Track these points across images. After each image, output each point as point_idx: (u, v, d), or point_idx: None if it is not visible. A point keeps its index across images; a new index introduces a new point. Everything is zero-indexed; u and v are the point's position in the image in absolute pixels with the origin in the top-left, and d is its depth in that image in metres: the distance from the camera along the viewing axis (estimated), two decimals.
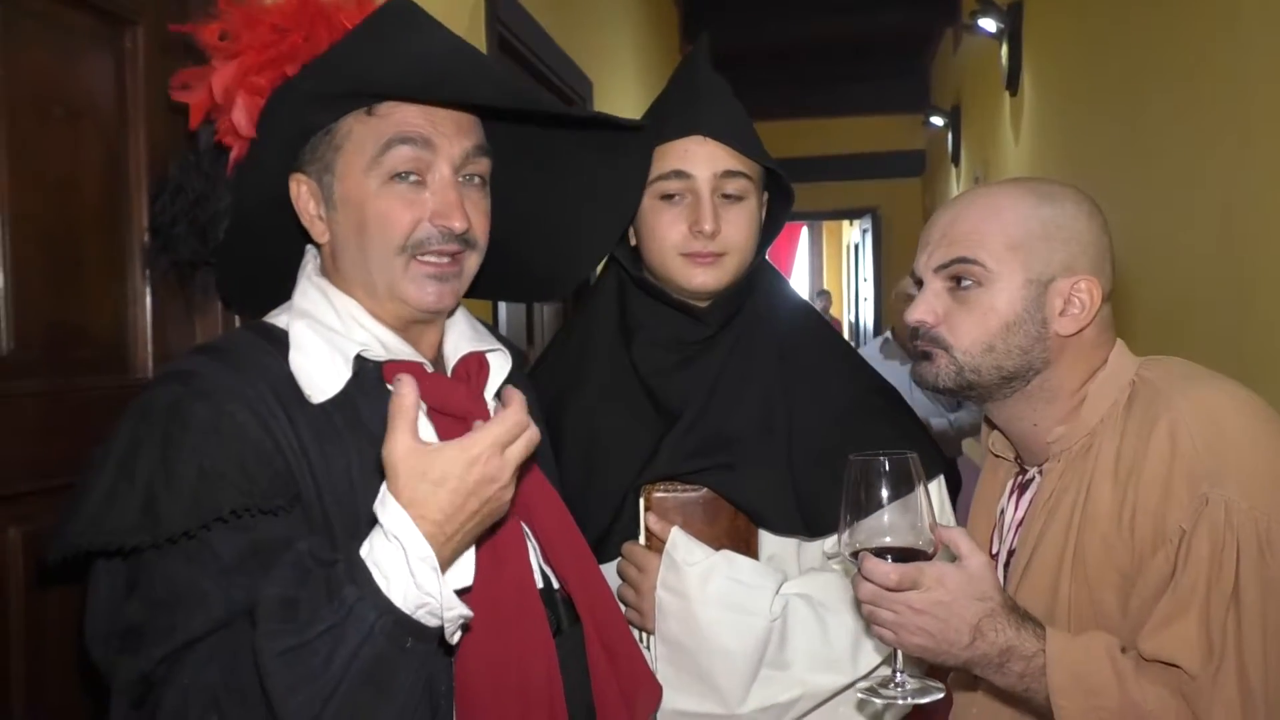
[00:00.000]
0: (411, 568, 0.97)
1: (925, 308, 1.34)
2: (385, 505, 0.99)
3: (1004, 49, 4.96)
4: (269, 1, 1.23)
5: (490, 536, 1.19)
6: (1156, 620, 1.16)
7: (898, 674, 1.23)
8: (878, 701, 1.24)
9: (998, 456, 1.50)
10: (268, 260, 1.29)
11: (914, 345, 1.38)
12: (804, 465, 1.48)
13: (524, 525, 1.26)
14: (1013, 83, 4.91)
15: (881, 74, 8.89)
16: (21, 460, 1.26)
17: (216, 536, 1.03)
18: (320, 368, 1.15)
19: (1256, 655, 1.12)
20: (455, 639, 1.04)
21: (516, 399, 1.02)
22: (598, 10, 4.55)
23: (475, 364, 1.32)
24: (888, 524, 1.18)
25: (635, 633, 1.46)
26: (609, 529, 1.50)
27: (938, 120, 7.61)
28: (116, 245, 1.43)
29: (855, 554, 1.21)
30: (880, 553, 1.18)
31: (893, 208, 9.78)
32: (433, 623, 1.00)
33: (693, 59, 1.60)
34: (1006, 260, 1.29)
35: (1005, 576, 1.38)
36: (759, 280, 1.59)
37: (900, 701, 1.22)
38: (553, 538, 1.28)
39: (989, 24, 4.96)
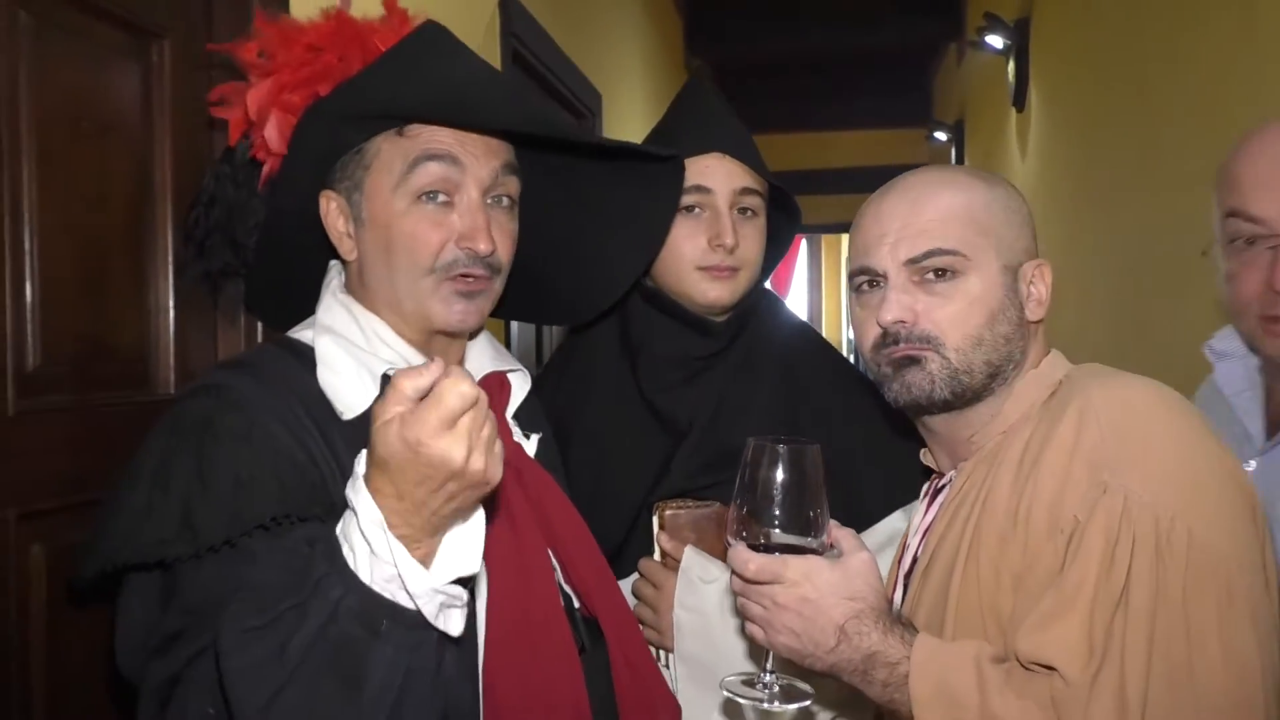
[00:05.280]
0: (365, 535, 0.91)
1: (900, 306, 1.20)
2: (354, 477, 0.94)
3: (1010, 65, 4.96)
4: (305, 21, 1.23)
5: (517, 556, 1.18)
6: (1038, 617, 1.04)
7: (765, 674, 1.15)
8: (742, 701, 1.16)
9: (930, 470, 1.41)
10: (295, 274, 1.29)
11: (885, 355, 1.23)
12: None
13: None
14: (1019, 99, 4.92)
15: (883, 88, 8.89)
16: (45, 477, 1.25)
17: (256, 544, 1.02)
18: (348, 384, 1.15)
19: (1139, 666, 1.00)
20: (448, 624, 0.96)
21: (454, 369, 0.90)
22: (605, 24, 4.55)
23: (496, 383, 1.32)
24: (782, 516, 1.11)
25: (653, 651, 1.46)
26: (621, 547, 1.50)
27: (941, 135, 7.61)
28: (142, 259, 1.42)
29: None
30: (769, 546, 1.11)
31: None
32: (406, 602, 0.92)
33: (699, 83, 1.64)
34: (982, 247, 1.20)
35: (905, 588, 1.30)
36: (759, 299, 1.61)
37: (765, 705, 1.14)
38: (574, 557, 1.28)
39: (996, 40, 4.96)
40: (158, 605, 1.05)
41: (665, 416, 1.53)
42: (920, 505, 1.34)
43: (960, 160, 7.26)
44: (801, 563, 1.10)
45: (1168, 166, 2.99)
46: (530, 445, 1.32)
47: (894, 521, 1.49)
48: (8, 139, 1.18)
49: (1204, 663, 1.00)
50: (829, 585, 1.10)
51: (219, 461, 1.03)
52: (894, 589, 1.33)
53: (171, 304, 1.46)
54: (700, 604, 1.42)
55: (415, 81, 1.14)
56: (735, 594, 1.16)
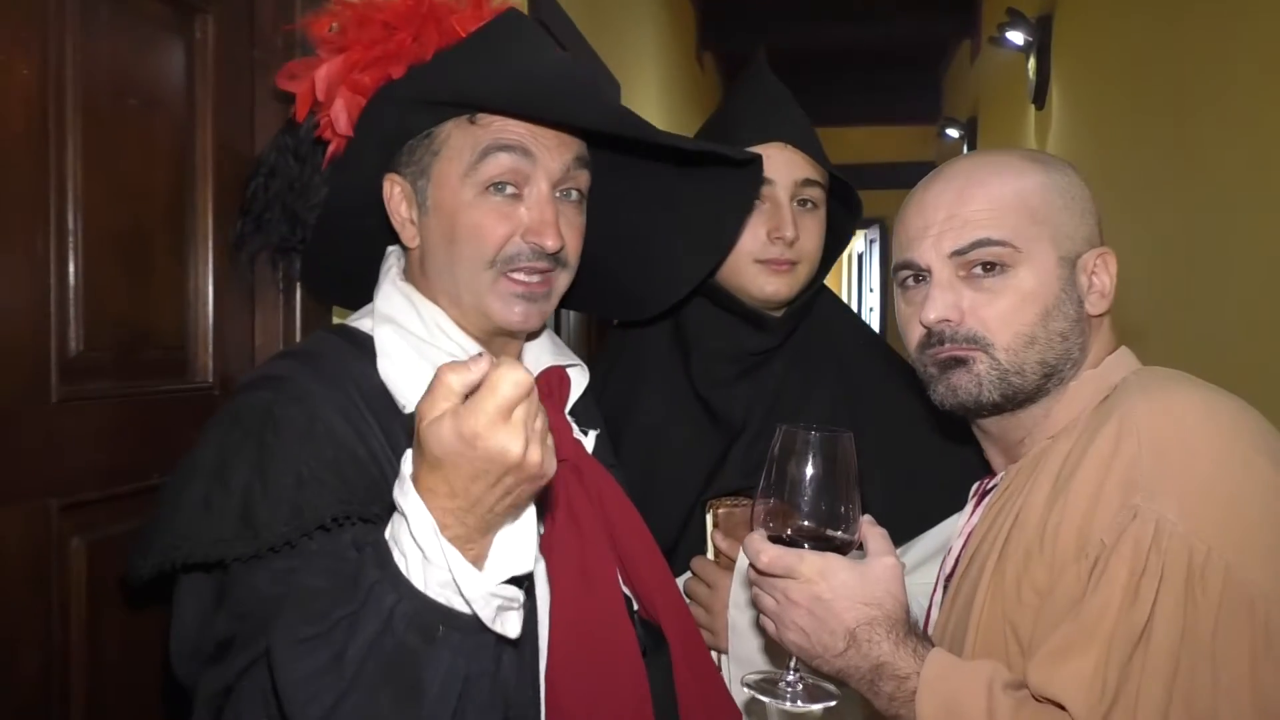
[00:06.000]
0: (417, 540, 0.88)
1: (944, 303, 1.13)
2: (401, 480, 0.91)
3: (1031, 62, 4.92)
4: None
5: (580, 556, 1.15)
6: (1051, 648, 0.97)
7: (790, 673, 1.10)
8: (765, 700, 1.11)
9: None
10: (352, 255, 1.26)
11: (930, 355, 1.17)
12: (870, 478, 1.43)
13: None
14: (1040, 96, 4.88)
15: (892, 84, 8.86)
16: (86, 466, 1.20)
17: (314, 545, 0.98)
18: (408, 377, 1.12)
19: (1153, 712, 0.91)
20: (505, 627, 0.92)
21: (504, 359, 0.88)
22: (623, 14, 4.52)
23: (557, 378, 1.29)
24: (809, 507, 1.07)
25: None
26: (675, 545, 1.47)
27: (953, 132, 7.57)
28: (182, 242, 1.38)
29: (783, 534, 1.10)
30: (794, 538, 1.07)
31: None
32: (462, 607, 0.89)
33: (759, 69, 1.59)
34: (1035, 237, 1.11)
35: (945, 591, 1.24)
36: (817, 294, 1.57)
37: (788, 705, 1.10)
38: (635, 558, 1.24)
39: (1016, 36, 4.92)
40: (210, 607, 1.01)
41: (718, 413, 1.50)
42: (968, 506, 1.29)
43: None
44: (818, 559, 1.06)
45: (1207, 167, 2.94)
46: (589, 442, 1.28)
47: (950, 526, 1.45)
48: (54, 113, 1.14)
49: (1232, 713, 0.91)
50: (844, 586, 1.05)
51: (280, 457, 0.99)
52: (936, 591, 1.29)
53: (210, 289, 1.41)
54: None
55: (497, 71, 1.10)
56: (751, 582, 1.12)
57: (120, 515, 1.24)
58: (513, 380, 0.83)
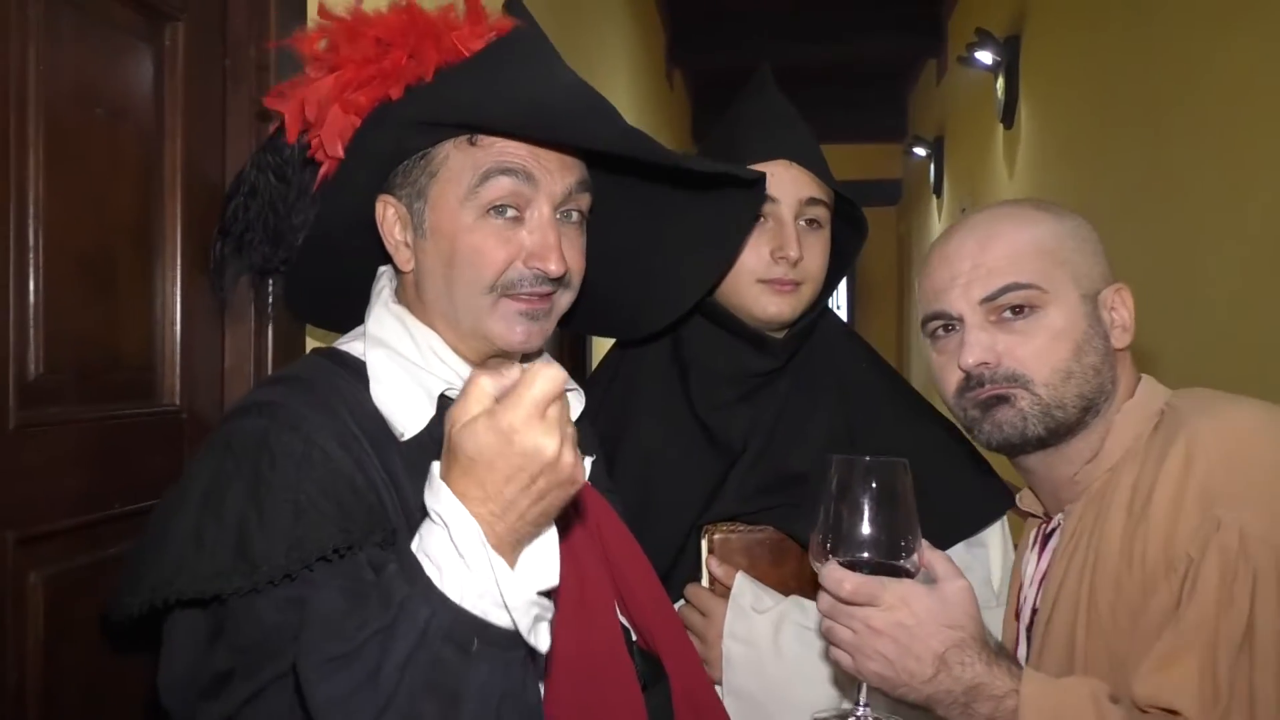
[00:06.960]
0: (458, 547, 0.85)
1: (981, 347, 1.18)
2: (432, 486, 0.88)
3: (999, 81, 4.97)
4: (372, 12, 1.13)
5: (578, 586, 1.10)
6: (1156, 659, 1.02)
7: (860, 707, 1.09)
8: None
9: (1029, 515, 1.40)
10: (340, 276, 1.22)
11: (970, 398, 1.21)
12: None
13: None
14: (1008, 115, 4.92)
15: (859, 102, 8.96)
16: (45, 496, 1.13)
17: (315, 577, 0.94)
18: (401, 403, 1.08)
19: (1270, 706, 0.98)
20: (538, 640, 0.90)
21: (539, 362, 0.89)
22: (593, 32, 4.51)
23: None
24: (871, 536, 1.07)
25: None
26: (669, 572, 1.42)
27: (920, 151, 7.65)
28: (149, 258, 1.31)
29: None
30: (855, 566, 1.06)
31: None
32: (501, 618, 0.86)
33: (763, 84, 1.56)
34: (1058, 279, 1.18)
35: (1029, 641, 1.27)
36: (820, 315, 1.54)
37: None
38: (634, 589, 1.21)
39: (985, 56, 4.97)
40: (205, 640, 0.96)
41: (717, 435, 1.46)
42: (1030, 553, 1.31)
43: (940, 175, 7.28)
44: (899, 586, 1.06)
45: (1179, 185, 2.97)
46: (585, 468, 1.23)
47: (957, 554, 1.42)
48: (15, 123, 1.07)
49: None
50: (928, 612, 1.05)
51: (276, 486, 0.95)
52: (1016, 643, 1.30)
53: (178, 308, 1.35)
54: (752, 635, 1.34)
55: (507, 92, 1.06)
56: (823, 615, 1.10)
57: (81, 547, 1.18)
58: (547, 376, 0.83)
